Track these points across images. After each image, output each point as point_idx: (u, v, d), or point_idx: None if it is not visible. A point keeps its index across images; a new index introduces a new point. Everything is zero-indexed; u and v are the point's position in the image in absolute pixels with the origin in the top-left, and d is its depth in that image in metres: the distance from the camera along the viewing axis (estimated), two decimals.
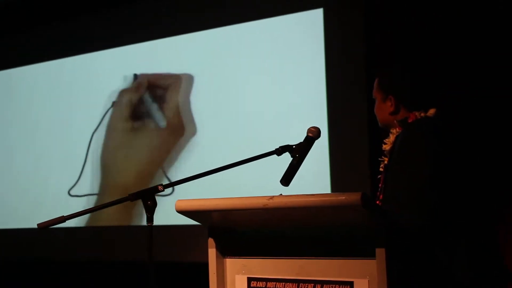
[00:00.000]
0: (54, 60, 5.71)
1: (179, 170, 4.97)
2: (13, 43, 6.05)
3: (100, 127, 5.40)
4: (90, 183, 5.41)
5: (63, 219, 2.03)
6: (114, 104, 5.35)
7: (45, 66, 5.77)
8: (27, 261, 5.72)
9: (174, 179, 4.90)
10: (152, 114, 5.15)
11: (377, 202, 2.39)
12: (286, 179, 2.14)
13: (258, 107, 4.64)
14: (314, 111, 4.36)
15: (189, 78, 4.99)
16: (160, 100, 5.13)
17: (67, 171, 5.52)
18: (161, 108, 5.12)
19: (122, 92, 5.31)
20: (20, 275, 5.80)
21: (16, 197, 5.81)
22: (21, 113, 5.90)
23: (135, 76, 5.23)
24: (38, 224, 2.06)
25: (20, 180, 5.81)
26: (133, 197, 2.04)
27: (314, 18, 4.43)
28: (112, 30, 5.43)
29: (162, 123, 5.10)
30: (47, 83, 5.75)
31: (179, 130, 5.02)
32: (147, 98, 5.19)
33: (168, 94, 5.10)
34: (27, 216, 5.59)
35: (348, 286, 1.94)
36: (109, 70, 5.40)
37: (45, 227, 2.05)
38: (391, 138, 2.44)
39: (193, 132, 4.94)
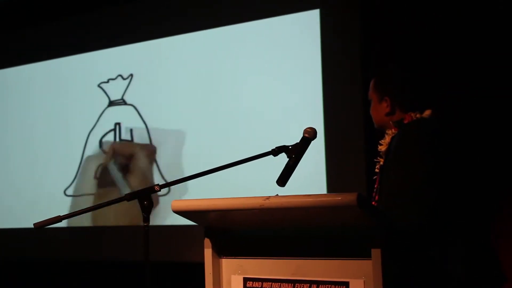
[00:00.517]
0: (51, 59, 5.70)
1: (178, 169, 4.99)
2: (8, 42, 6.04)
3: (96, 127, 5.40)
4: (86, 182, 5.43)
5: (59, 218, 2.03)
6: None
7: (42, 66, 5.76)
8: (23, 261, 5.71)
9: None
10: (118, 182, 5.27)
11: (373, 202, 2.39)
12: (283, 180, 2.15)
13: (254, 108, 4.64)
14: (310, 111, 4.37)
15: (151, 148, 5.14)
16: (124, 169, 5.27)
17: (63, 171, 5.52)
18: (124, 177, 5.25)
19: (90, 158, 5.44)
20: (15, 275, 5.79)
21: (11, 196, 5.80)
22: (17, 113, 5.89)
23: (100, 143, 5.36)
24: (34, 224, 2.06)
25: (16, 180, 5.80)
26: (129, 197, 2.04)
27: (311, 19, 4.44)
28: (109, 30, 5.42)
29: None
30: (43, 83, 5.74)
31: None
32: (113, 166, 5.33)
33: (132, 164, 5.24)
34: (22, 216, 5.59)
35: (344, 287, 1.95)
36: (105, 70, 5.40)
37: (41, 227, 2.06)
38: (387, 139, 2.44)
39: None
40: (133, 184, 5.19)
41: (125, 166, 5.25)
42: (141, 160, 5.17)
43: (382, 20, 4.24)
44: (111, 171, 5.30)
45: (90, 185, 5.39)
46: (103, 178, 5.34)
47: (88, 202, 5.34)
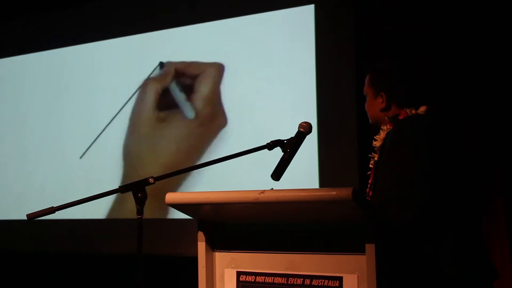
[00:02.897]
0: (43, 51, 5.67)
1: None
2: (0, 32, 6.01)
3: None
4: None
5: (53, 210, 2.02)
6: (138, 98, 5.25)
7: (33, 57, 5.73)
8: (13, 253, 5.68)
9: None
10: (180, 104, 4.98)
11: (367, 198, 2.40)
12: (277, 174, 2.15)
13: (247, 103, 4.64)
14: (304, 107, 4.37)
15: (220, 67, 4.82)
16: (188, 90, 4.94)
17: (54, 164, 5.50)
18: (189, 98, 4.93)
19: (148, 81, 5.12)
20: (4, 266, 5.77)
21: (1, 189, 5.77)
22: (6, 105, 5.85)
23: (161, 64, 5.07)
24: (27, 215, 2.05)
25: (6, 172, 5.77)
26: (123, 189, 2.04)
27: (305, 14, 4.44)
28: (102, 22, 5.40)
29: (191, 114, 4.91)
30: (35, 75, 5.71)
31: (210, 122, 4.86)
32: (174, 87, 5.00)
33: (197, 83, 4.91)
34: (12, 208, 5.56)
35: (337, 282, 1.95)
36: (98, 63, 5.38)
37: (34, 218, 2.04)
38: (382, 134, 2.44)
39: (223, 123, 4.78)
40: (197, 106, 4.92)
41: (188, 86, 4.97)
42: (208, 78, 4.88)
43: (376, 15, 4.24)
44: (173, 92, 5.01)
45: (149, 107, 5.10)
46: (164, 101, 5.06)
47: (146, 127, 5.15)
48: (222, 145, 4.70)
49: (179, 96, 4.94)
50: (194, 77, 4.92)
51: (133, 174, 5.09)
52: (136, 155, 5.14)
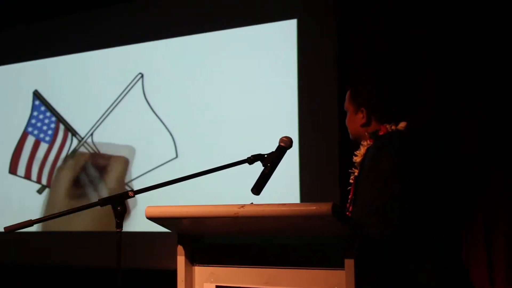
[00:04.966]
0: (24, 62, 5.66)
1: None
2: None
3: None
4: None
5: (31, 222, 2.00)
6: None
7: (14, 68, 5.71)
8: None
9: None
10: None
11: (347, 213, 2.40)
12: (258, 188, 2.15)
13: (229, 117, 4.64)
14: (285, 121, 4.38)
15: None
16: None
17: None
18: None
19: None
20: None
21: None
22: None
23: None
24: (4, 228, 2.03)
25: None
26: (103, 202, 2.03)
27: (288, 29, 4.46)
28: (81, 35, 5.39)
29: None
30: (18, 87, 5.69)
31: None
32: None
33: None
34: None
35: None
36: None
37: (12, 231, 2.02)
38: (362, 150, 2.45)
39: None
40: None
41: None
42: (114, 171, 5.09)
43: (358, 31, 4.28)
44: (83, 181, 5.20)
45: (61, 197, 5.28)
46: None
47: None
48: (207, 158, 4.70)
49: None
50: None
51: None
52: None
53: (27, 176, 5.49)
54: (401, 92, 2.59)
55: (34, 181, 5.45)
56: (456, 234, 2.53)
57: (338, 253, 1.88)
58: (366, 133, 2.47)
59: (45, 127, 5.47)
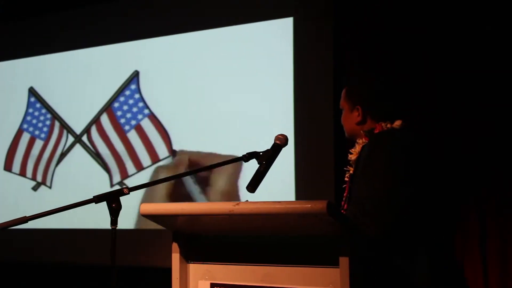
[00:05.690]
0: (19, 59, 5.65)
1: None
2: None
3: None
4: None
5: (26, 219, 1.99)
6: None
7: (7, 65, 5.70)
8: None
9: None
10: (193, 197, 4.55)
11: (342, 211, 2.40)
12: (253, 185, 2.15)
13: (224, 115, 4.64)
14: (281, 119, 4.38)
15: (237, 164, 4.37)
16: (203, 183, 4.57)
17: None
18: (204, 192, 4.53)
19: (160, 169, 4.81)
20: None
21: None
22: None
23: (174, 152, 4.84)
24: None
25: None
26: (97, 199, 2.02)
27: (284, 27, 4.46)
28: (77, 31, 5.38)
29: None
30: (11, 83, 5.67)
31: None
32: (188, 178, 4.54)
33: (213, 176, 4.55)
34: None
35: None
36: (75, 71, 5.36)
37: (5, 228, 2.01)
38: (357, 148, 2.45)
39: None
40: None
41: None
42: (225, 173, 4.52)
43: (355, 30, 4.28)
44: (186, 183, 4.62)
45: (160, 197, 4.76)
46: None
47: None
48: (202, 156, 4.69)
49: (193, 188, 4.57)
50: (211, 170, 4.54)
51: None
52: None
53: (22, 173, 5.48)
54: (397, 91, 2.59)
55: (29, 178, 5.43)
56: (451, 232, 2.53)
57: (333, 251, 1.89)
58: (361, 131, 2.48)
59: (40, 124, 5.45)
